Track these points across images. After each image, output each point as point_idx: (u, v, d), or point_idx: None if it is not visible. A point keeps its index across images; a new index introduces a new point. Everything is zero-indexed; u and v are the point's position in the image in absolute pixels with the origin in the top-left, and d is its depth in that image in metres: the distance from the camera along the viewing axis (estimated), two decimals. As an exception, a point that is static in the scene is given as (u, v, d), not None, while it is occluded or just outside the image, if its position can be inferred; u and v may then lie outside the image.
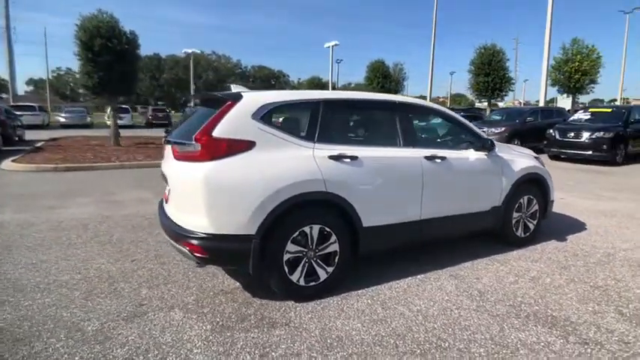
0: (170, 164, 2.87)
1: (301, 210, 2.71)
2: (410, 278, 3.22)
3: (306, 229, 2.74)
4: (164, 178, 3.07)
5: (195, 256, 2.56)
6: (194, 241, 2.54)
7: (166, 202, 3.02)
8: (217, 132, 2.55)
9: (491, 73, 21.34)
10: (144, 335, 2.34)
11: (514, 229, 3.97)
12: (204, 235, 2.53)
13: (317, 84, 54.05)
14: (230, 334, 2.38)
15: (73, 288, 2.96)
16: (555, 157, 11.31)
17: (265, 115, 2.72)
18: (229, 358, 2.15)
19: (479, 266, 3.52)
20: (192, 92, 39.95)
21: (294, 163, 2.71)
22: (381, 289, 3.03)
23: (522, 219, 4.02)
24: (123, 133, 14.83)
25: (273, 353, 2.21)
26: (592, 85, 21.48)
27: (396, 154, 3.18)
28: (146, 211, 5.19)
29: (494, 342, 2.36)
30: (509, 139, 11.82)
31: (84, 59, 11.64)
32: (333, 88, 35.72)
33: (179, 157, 2.73)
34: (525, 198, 4.01)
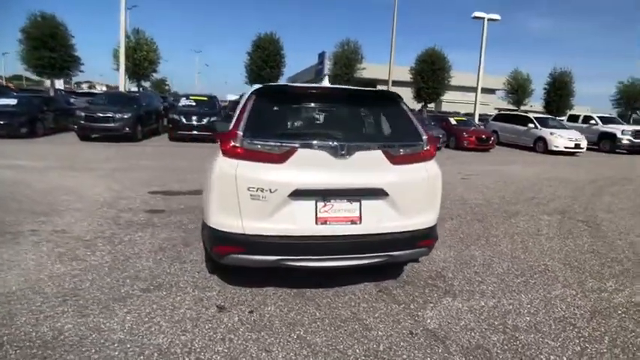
0: (379, 173, 2.60)
1: None
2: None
3: None
4: (324, 196, 2.53)
5: (429, 248, 2.86)
6: (431, 235, 2.81)
7: (356, 222, 2.57)
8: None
9: (55, 49, 20.58)
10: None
11: None
12: (431, 227, 2.80)
13: None
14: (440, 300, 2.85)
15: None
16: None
17: None
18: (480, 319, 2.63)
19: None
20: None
21: None
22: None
23: None
24: None
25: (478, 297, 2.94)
26: (154, 73, 25.26)
27: None
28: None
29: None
30: None
31: None
32: None
33: (404, 160, 2.67)
34: None
